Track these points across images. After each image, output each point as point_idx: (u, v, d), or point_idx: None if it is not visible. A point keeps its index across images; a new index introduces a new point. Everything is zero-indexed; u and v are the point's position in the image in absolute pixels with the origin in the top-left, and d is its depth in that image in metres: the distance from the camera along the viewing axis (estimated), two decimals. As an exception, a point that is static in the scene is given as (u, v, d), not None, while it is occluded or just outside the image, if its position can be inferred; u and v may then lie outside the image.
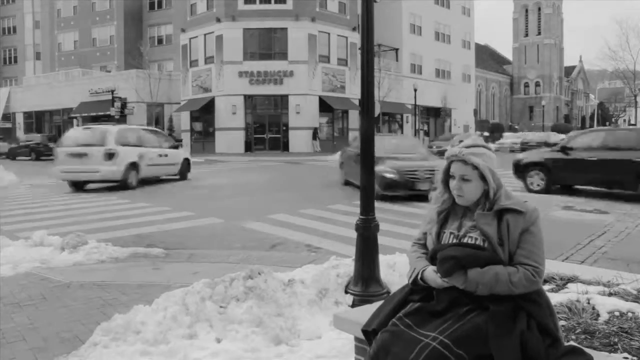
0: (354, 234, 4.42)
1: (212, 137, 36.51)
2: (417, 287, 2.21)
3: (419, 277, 2.20)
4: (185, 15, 39.25)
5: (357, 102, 32.71)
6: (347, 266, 4.58)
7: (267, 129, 35.95)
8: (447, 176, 2.24)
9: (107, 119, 38.29)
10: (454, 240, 2.18)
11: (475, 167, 2.13)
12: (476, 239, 2.13)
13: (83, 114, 41.64)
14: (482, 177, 2.14)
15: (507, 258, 2.08)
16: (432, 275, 2.16)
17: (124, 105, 37.63)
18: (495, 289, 2.02)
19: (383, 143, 11.92)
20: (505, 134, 53.61)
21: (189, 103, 37.56)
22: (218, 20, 35.58)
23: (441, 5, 51.81)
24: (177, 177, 17.41)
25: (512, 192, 2.18)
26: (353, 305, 4.10)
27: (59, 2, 53.57)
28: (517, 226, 2.08)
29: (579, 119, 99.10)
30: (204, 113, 36.61)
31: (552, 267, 3.55)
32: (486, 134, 58.27)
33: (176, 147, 18.00)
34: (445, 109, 48.66)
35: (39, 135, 37.84)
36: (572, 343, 2.25)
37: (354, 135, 27.78)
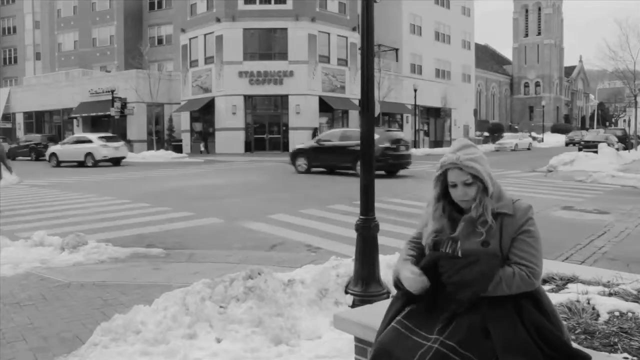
0: (354, 234, 4.42)
1: (212, 137, 36.50)
2: (400, 290, 2.19)
3: (399, 282, 2.18)
4: (185, 15, 39.24)
5: (357, 102, 32.70)
6: (347, 266, 4.58)
7: (267, 129, 35.94)
8: (443, 187, 2.16)
9: (108, 119, 38.34)
10: (452, 245, 2.15)
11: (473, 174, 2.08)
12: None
13: (83, 114, 41.62)
14: (478, 179, 2.09)
15: (502, 256, 2.06)
16: (409, 281, 2.13)
17: (124, 105, 37.61)
18: (493, 294, 2.01)
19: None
20: (506, 134, 53.62)
21: (189, 103, 37.56)
22: (218, 20, 35.58)
23: (441, 5, 51.80)
24: None
25: (504, 192, 2.14)
26: (353, 306, 4.10)
27: (59, 2, 53.54)
28: (510, 228, 2.06)
29: (579, 119, 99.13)
30: (204, 113, 36.60)
31: (552, 267, 3.54)
32: (486, 134, 58.28)
33: None
34: (445, 109, 48.64)
35: (39, 135, 37.80)
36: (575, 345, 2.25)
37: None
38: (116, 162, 26.44)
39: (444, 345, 1.94)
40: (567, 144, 46.51)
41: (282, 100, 35.53)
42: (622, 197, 12.50)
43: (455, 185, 2.11)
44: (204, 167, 24.48)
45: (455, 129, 50.35)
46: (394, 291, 4.24)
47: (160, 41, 49.12)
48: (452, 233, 2.16)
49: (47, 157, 27.98)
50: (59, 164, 26.71)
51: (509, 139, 47.20)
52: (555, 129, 75.16)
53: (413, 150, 37.54)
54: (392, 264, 4.74)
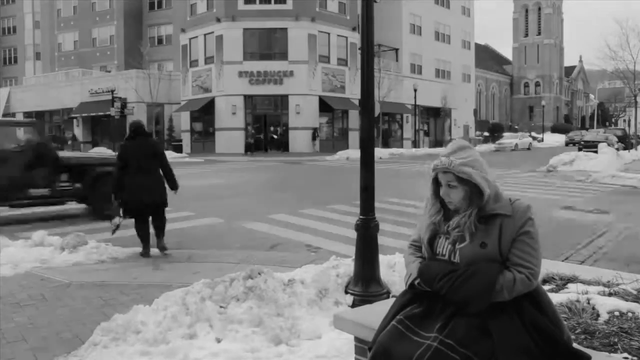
0: (354, 234, 4.42)
1: (212, 137, 36.50)
2: (415, 290, 2.19)
3: (416, 282, 2.18)
4: (185, 15, 39.25)
5: (357, 102, 32.70)
6: (347, 266, 4.57)
7: (267, 129, 35.96)
8: (437, 186, 2.19)
9: (107, 119, 38.34)
10: (449, 246, 2.15)
11: (461, 178, 2.08)
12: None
13: (83, 114, 41.63)
14: (466, 182, 2.08)
15: (500, 258, 2.06)
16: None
17: (124, 105, 37.61)
18: (493, 300, 2.01)
19: None
20: (505, 134, 53.60)
21: (189, 103, 37.56)
22: (218, 20, 35.58)
23: (441, 5, 51.79)
24: None
25: (502, 192, 2.13)
26: (353, 306, 4.10)
27: (59, 2, 53.55)
28: (509, 229, 2.05)
29: (579, 119, 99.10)
30: (204, 113, 36.60)
31: (552, 267, 3.55)
32: (486, 134, 58.27)
33: None
34: (445, 109, 48.64)
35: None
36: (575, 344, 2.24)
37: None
38: None
39: (443, 343, 1.94)
40: (567, 144, 46.42)
41: (282, 100, 35.53)
42: (622, 197, 12.49)
43: (442, 185, 2.16)
44: (204, 167, 24.48)
45: (455, 128, 50.35)
46: (394, 291, 4.26)
47: (160, 41, 49.12)
48: (446, 229, 2.16)
49: None
50: None
51: (508, 138, 47.11)
52: (555, 129, 75.13)
53: (413, 150, 37.77)
54: (392, 264, 4.74)
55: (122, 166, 6.50)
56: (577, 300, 2.82)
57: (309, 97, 35.38)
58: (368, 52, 4.31)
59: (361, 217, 4.32)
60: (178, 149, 36.78)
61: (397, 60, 45.93)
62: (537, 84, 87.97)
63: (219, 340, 3.61)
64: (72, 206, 10.60)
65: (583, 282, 3.20)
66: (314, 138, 35.40)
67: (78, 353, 3.57)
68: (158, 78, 37.37)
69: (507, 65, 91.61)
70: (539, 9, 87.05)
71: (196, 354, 3.41)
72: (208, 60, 36.69)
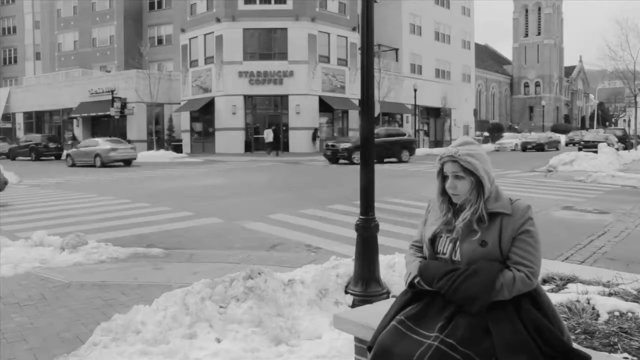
0: (354, 234, 4.42)
1: (212, 137, 36.49)
2: (415, 290, 2.20)
3: (415, 280, 2.18)
4: (185, 15, 39.24)
5: (357, 102, 32.69)
6: (347, 266, 4.57)
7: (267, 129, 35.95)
8: (443, 182, 2.18)
9: (107, 119, 38.33)
10: (450, 245, 2.16)
11: (466, 168, 2.10)
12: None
13: (83, 114, 41.61)
14: (473, 174, 2.11)
15: (501, 257, 2.06)
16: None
17: (123, 105, 37.59)
18: (494, 299, 2.01)
19: None
20: (505, 134, 53.59)
21: (189, 103, 37.55)
22: (218, 20, 35.58)
23: (441, 5, 51.81)
24: None
25: (502, 192, 2.15)
26: (353, 306, 4.10)
27: (59, 2, 53.56)
28: (509, 228, 2.06)
29: (579, 119, 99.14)
30: (204, 113, 36.59)
31: (552, 267, 3.55)
32: (486, 134, 58.27)
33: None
34: (445, 109, 48.63)
35: (39, 135, 37.79)
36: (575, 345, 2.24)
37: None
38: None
39: (444, 343, 1.94)
40: (567, 144, 46.42)
41: (282, 100, 35.53)
42: (622, 197, 12.49)
43: (447, 177, 2.15)
44: (203, 167, 24.48)
45: (455, 129, 50.33)
46: (394, 291, 4.26)
47: (160, 41, 49.12)
48: (455, 223, 2.16)
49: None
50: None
51: (508, 139, 47.09)
52: (555, 129, 75.15)
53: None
54: (392, 264, 4.74)
55: None
56: (577, 300, 2.82)
57: (309, 97, 35.37)
58: (368, 52, 4.31)
59: (361, 217, 4.32)
60: (178, 149, 36.78)
61: (397, 60, 45.94)
62: (537, 84, 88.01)
63: (219, 340, 3.61)
64: (76, 205, 10.52)
65: (583, 282, 3.20)
66: (314, 138, 35.38)
67: (78, 353, 3.57)
68: (158, 78, 37.35)
69: (507, 65, 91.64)
70: (539, 9, 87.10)
71: (196, 354, 3.41)
72: (208, 60, 36.69)
